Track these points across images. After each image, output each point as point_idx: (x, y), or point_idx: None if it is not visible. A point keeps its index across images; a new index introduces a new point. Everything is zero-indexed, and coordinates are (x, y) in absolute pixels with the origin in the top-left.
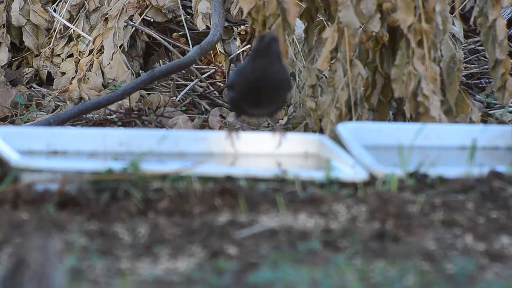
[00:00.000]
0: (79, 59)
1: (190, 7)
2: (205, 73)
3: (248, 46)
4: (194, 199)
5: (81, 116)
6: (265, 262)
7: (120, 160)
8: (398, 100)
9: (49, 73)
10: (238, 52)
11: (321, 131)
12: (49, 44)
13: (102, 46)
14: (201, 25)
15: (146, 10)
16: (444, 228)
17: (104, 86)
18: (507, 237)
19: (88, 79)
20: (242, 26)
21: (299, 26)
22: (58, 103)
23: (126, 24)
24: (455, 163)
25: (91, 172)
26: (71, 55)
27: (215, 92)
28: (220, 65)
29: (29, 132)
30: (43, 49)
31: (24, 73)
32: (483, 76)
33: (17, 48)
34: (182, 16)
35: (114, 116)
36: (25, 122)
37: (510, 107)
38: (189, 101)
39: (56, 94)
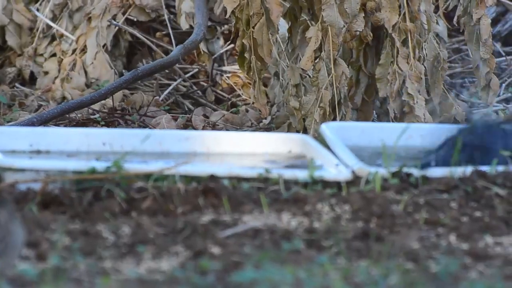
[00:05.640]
0: (62, 59)
1: (174, 6)
2: (188, 72)
3: (232, 45)
4: (177, 198)
5: (64, 115)
6: (249, 261)
7: (103, 159)
8: (382, 100)
9: (32, 72)
10: (221, 51)
11: (304, 130)
12: (32, 43)
13: (85, 45)
14: (184, 25)
15: (130, 10)
16: (428, 227)
17: (87, 85)
18: (491, 237)
19: (71, 78)
20: (226, 26)
21: (283, 25)
22: (41, 103)
23: (109, 23)
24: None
25: (74, 172)
26: (54, 55)
27: (198, 91)
28: (204, 64)
29: (12, 131)
30: (26, 49)
31: (7, 73)
32: (467, 75)
33: None
34: (166, 15)
35: (97, 115)
36: (8, 122)
37: (495, 106)
38: (173, 101)
39: (39, 93)
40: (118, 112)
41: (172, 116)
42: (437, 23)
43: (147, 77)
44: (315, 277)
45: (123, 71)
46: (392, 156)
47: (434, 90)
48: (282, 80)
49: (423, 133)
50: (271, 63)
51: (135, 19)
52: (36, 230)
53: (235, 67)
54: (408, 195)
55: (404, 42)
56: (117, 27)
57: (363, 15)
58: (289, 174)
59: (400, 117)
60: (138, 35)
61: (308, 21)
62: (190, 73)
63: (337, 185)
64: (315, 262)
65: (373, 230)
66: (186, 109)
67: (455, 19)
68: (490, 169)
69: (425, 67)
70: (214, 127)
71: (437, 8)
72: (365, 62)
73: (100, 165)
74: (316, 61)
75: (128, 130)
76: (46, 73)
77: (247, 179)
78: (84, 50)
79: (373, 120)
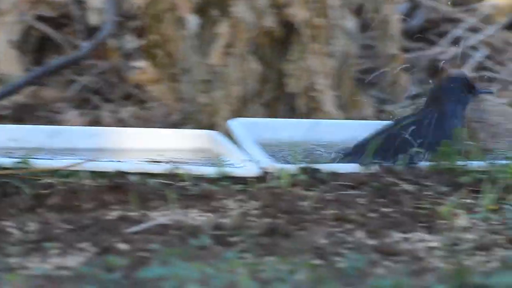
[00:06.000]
0: None
1: (83, 2)
2: (97, 68)
3: (141, 41)
4: (84, 195)
5: None
6: (156, 257)
7: (11, 155)
8: (292, 95)
9: None
10: (131, 47)
11: (213, 126)
12: None
13: None
14: (94, 20)
15: (39, 5)
16: (336, 223)
17: None
18: (398, 233)
19: None
20: (136, 21)
21: (193, 21)
22: None
23: (18, 18)
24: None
25: None
26: None
27: (107, 87)
28: (113, 60)
29: None
30: None
31: None
32: (377, 71)
33: None
34: (75, 11)
35: (5, 111)
36: None
37: (403, 102)
38: (82, 97)
39: None
40: (26, 108)
41: (81, 112)
42: (346, 18)
43: (56, 73)
44: (222, 273)
45: (32, 66)
46: (300, 152)
47: (343, 86)
48: (191, 76)
49: (332, 129)
50: (180, 59)
51: (44, 15)
52: None
53: (145, 63)
54: (316, 191)
55: (314, 38)
56: (26, 23)
57: (274, 11)
58: (197, 170)
59: (309, 113)
60: (48, 30)
61: (218, 17)
62: (100, 69)
63: (245, 181)
64: (223, 258)
65: (280, 226)
66: (95, 105)
67: (365, 15)
68: (398, 165)
69: (334, 63)
70: (122, 123)
71: (347, 4)
72: (275, 58)
73: (7, 161)
74: (225, 57)
75: (36, 126)
76: None
77: (155, 175)
78: None
79: (282, 116)
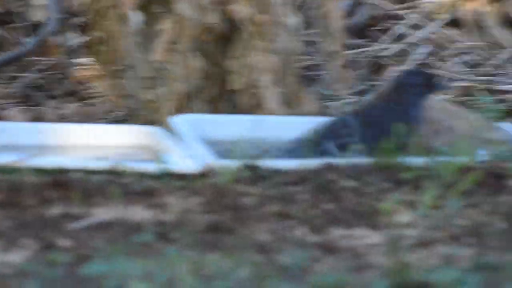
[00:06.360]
0: None
1: None
2: (41, 64)
3: (86, 38)
4: (27, 191)
5: None
6: (99, 254)
7: None
8: (236, 92)
9: None
10: (75, 43)
11: (157, 123)
12: None
13: None
14: (38, 17)
15: None
16: (278, 220)
17: None
18: (341, 229)
19: None
20: (80, 18)
21: (136, 17)
22: None
23: None
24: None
25: None
26: None
27: (51, 83)
28: (57, 56)
29: None
30: None
31: None
32: (320, 68)
33: None
34: (19, 7)
35: None
36: None
37: (348, 98)
38: (25, 93)
39: None
40: None
41: (24, 108)
42: (290, 15)
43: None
44: (164, 269)
45: None
46: (244, 148)
47: (286, 82)
48: (135, 73)
49: (275, 125)
50: (124, 55)
51: None
52: None
53: (89, 59)
54: (259, 188)
55: (258, 35)
56: None
57: (217, 7)
58: (140, 166)
59: (253, 110)
60: None
61: (162, 13)
62: (43, 65)
63: (188, 177)
64: (165, 254)
65: (223, 222)
66: (39, 101)
67: (307, 11)
68: (340, 162)
69: (278, 59)
70: (66, 119)
71: (290, 1)
72: (219, 55)
73: None
74: (169, 53)
75: None
76: None
77: (98, 172)
78: None
79: (225, 113)
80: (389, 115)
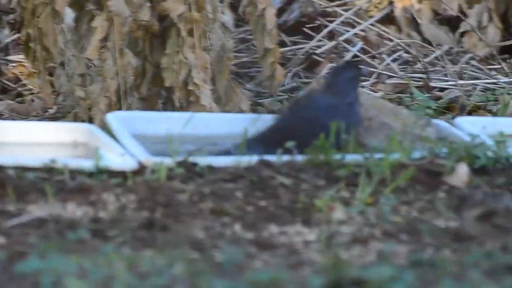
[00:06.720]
0: None
1: None
2: None
3: (17, 35)
4: None
5: None
6: (33, 251)
7: None
8: (169, 89)
9: None
10: (7, 41)
11: (90, 120)
12: None
13: None
14: None
15: None
16: (213, 217)
17: None
18: (275, 226)
19: None
20: (12, 15)
21: (69, 15)
22: None
23: None
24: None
25: None
26: None
27: None
28: None
29: None
30: None
31: None
32: (253, 65)
33: None
34: None
35: None
36: None
37: (279, 96)
38: None
39: None
40: None
41: None
42: (223, 12)
43: None
44: (100, 266)
45: None
46: (177, 146)
47: (219, 79)
48: (68, 70)
49: (209, 122)
50: (56, 52)
51: None
52: None
53: (21, 57)
54: (194, 185)
55: (190, 32)
56: None
57: (149, 4)
58: (75, 163)
59: (186, 107)
60: None
61: (94, 11)
62: None
63: (123, 174)
64: (100, 251)
65: (158, 219)
66: None
67: (241, 9)
68: (275, 158)
69: (211, 57)
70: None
71: None
72: (151, 52)
73: None
74: (102, 50)
75: None
76: None
77: (32, 169)
78: None
79: (159, 110)
80: (332, 111)
